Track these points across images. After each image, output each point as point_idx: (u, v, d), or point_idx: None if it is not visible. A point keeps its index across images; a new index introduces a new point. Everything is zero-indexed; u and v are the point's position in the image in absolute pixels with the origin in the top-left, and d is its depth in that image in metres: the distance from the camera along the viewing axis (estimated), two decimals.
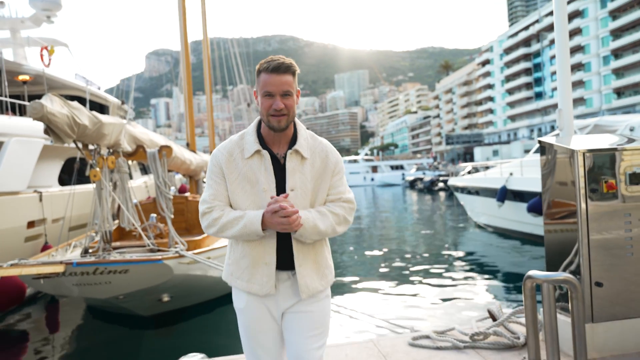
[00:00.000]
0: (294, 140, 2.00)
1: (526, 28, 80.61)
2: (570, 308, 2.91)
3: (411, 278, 9.51)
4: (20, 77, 12.84)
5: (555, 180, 3.31)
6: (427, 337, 3.48)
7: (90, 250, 6.79)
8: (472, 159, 66.60)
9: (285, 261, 1.96)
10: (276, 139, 1.99)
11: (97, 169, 6.22)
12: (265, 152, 1.96)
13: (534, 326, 3.04)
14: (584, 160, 3.06)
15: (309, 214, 1.91)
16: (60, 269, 5.55)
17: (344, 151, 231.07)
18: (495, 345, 3.28)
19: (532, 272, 3.00)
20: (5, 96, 11.33)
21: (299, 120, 2.06)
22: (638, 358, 3.04)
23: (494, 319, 3.67)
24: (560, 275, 2.90)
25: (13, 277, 6.96)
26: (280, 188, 1.95)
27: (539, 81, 79.92)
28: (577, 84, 66.21)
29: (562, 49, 3.55)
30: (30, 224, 9.81)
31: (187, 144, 13.51)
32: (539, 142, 3.47)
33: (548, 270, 3.38)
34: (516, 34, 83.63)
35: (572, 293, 2.87)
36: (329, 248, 2.12)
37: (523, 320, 3.50)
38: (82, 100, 14.40)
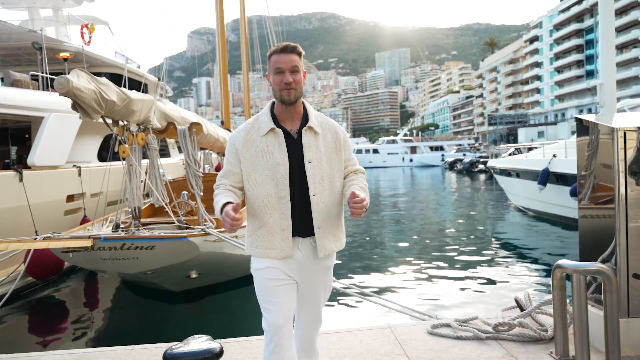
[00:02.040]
0: (305, 118, 2.27)
1: (579, 2, 76.34)
2: (603, 301, 2.68)
3: (441, 262, 9.26)
4: (61, 55, 13.13)
5: (592, 161, 3.03)
6: (448, 325, 3.31)
7: (122, 226, 6.90)
8: (515, 141, 64.43)
9: (303, 228, 2.21)
10: (288, 116, 2.25)
11: (126, 146, 6.26)
12: (279, 130, 2.20)
13: (562, 319, 2.83)
14: (625, 139, 2.78)
15: (363, 192, 2.15)
16: (88, 243, 5.65)
17: (382, 131, 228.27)
18: (520, 337, 3.07)
19: (562, 262, 2.77)
20: (46, 73, 11.62)
21: (306, 102, 2.33)
22: None
23: (522, 309, 3.45)
24: (592, 265, 2.66)
25: (49, 249, 7.21)
26: (294, 161, 2.19)
27: (590, 59, 75.93)
28: (633, 62, 62.50)
29: (606, 20, 3.22)
30: (70, 198, 10.10)
31: (222, 123, 13.59)
32: (576, 119, 3.18)
33: (582, 259, 3.13)
34: (568, 8, 79.36)
35: (606, 285, 2.63)
36: (343, 215, 2.38)
37: (551, 310, 3.28)
38: (120, 78, 14.65)
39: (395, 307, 4.26)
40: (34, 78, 11.58)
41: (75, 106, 5.28)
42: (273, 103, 2.29)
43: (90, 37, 14.68)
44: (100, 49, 14.89)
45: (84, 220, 9.97)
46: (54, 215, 9.54)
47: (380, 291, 7.36)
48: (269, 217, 2.18)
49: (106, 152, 11.96)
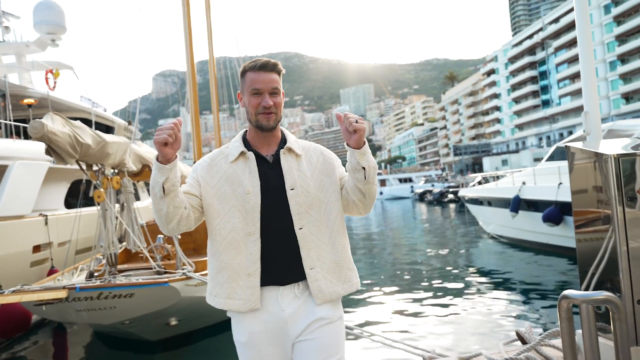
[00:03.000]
0: (283, 142, 1.94)
1: (530, 36, 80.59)
2: (612, 330, 2.64)
3: (426, 296, 9.17)
4: (25, 101, 12.84)
5: (584, 188, 3.06)
6: None
7: (95, 274, 6.59)
8: (480, 170, 66.05)
9: (287, 273, 1.80)
10: (264, 141, 1.91)
11: (102, 190, 6.05)
12: (250, 154, 1.87)
13: (572, 351, 2.77)
14: (619, 165, 2.82)
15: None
16: (62, 294, 5.34)
17: None
18: None
19: (568, 292, 2.73)
20: (10, 120, 11.29)
21: (284, 128, 2.02)
22: None
23: (524, 342, 3.39)
24: (600, 294, 2.63)
25: (16, 305, 6.79)
26: (272, 188, 1.83)
27: (545, 89, 79.60)
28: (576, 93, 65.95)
29: (585, 51, 3.33)
30: (36, 248, 9.66)
31: (194, 163, 13.40)
32: (566, 147, 3.22)
33: (582, 288, 3.11)
34: (520, 42, 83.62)
35: (615, 314, 2.59)
36: (349, 248, 1.97)
37: (556, 343, 3.22)
38: (88, 122, 14.36)
39: (394, 345, 4.13)
40: None
41: (49, 151, 5.09)
42: (246, 131, 1.98)
43: (55, 82, 14.45)
44: (65, 93, 14.62)
45: (52, 271, 9.51)
46: (19, 267, 9.08)
47: (371, 326, 7.19)
48: (232, 258, 1.78)
49: (72, 199, 11.57)
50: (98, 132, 5.95)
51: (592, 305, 2.61)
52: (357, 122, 1.73)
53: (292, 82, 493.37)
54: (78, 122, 5.66)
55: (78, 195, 10.67)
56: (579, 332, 2.89)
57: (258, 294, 1.75)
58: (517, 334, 3.48)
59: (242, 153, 1.87)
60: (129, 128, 17.17)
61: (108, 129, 15.77)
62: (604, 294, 2.59)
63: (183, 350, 6.90)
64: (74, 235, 9.51)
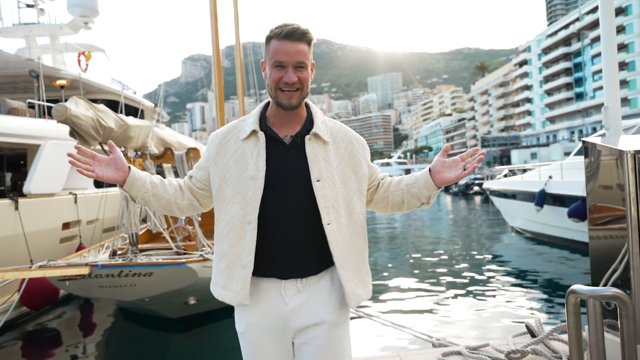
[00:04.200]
0: (309, 122, 1.69)
1: (566, 27, 78.07)
2: (619, 327, 2.63)
3: (444, 287, 9.16)
4: (58, 82, 13.20)
5: (600, 184, 3.02)
6: (459, 353, 3.24)
7: (118, 252, 6.82)
8: (508, 162, 64.88)
9: (292, 267, 1.63)
10: (285, 120, 1.68)
11: None
12: (261, 134, 1.65)
13: (578, 346, 2.76)
14: (636, 161, 2.77)
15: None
16: (85, 271, 5.56)
17: (376, 154, 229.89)
18: None
19: (576, 287, 2.72)
20: (43, 100, 11.64)
21: (312, 104, 1.76)
22: None
23: (533, 335, 3.39)
24: (608, 290, 2.62)
25: (44, 279, 7.09)
26: (278, 174, 1.62)
27: (579, 81, 77.25)
28: (621, 84, 63.57)
29: (608, 43, 3.26)
30: (65, 226, 10.01)
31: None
32: (583, 142, 3.18)
33: (593, 283, 3.09)
34: (555, 32, 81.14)
35: (622, 311, 2.58)
36: (367, 250, 1.81)
37: (565, 337, 3.21)
38: (116, 104, 14.72)
39: (404, 330, 4.19)
40: (31, 106, 11.60)
41: (73, 133, 5.27)
42: (268, 103, 1.74)
43: (87, 65, 14.81)
44: (96, 75, 14.99)
45: (80, 247, 9.86)
46: (49, 243, 9.43)
47: (388, 314, 7.25)
48: (231, 246, 1.64)
49: None
50: (121, 115, 6.11)
51: (599, 301, 2.60)
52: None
53: (320, 69, 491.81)
54: (102, 106, 5.82)
55: None
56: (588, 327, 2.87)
57: (248, 289, 1.61)
58: (527, 327, 3.48)
59: (253, 132, 1.66)
60: (156, 110, 17.52)
61: (136, 111, 16.10)
62: (612, 290, 2.58)
63: (202, 329, 7.09)
64: (101, 214, 9.82)
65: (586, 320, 2.74)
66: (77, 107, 5.23)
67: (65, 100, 13.70)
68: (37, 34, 15.59)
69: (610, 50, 3.25)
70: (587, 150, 3.12)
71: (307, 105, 1.74)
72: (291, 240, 1.62)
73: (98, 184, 11.82)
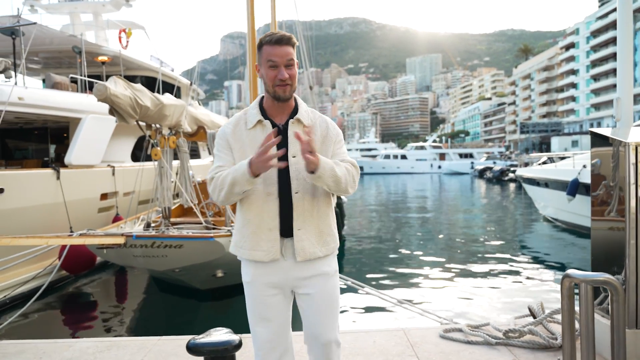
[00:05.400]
0: (295, 111, 2.09)
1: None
2: (610, 311, 2.74)
3: (462, 269, 9.27)
4: (99, 58, 13.69)
5: (604, 174, 3.09)
6: (460, 330, 3.41)
7: (152, 225, 7.21)
8: (548, 149, 63.10)
9: (287, 229, 1.99)
10: (279, 110, 2.07)
11: (158, 148, 6.55)
12: (267, 122, 2.04)
13: (570, 327, 2.89)
14: (637, 153, 2.83)
15: (326, 159, 1.95)
16: (121, 240, 5.95)
17: (412, 137, 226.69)
18: (529, 344, 3.15)
19: (570, 271, 2.84)
20: (85, 76, 12.14)
21: (298, 96, 2.14)
22: None
23: (534, 317, 3.51)
24: (600, 275, 2.73)
25: (83, 245, 7.57)
26: (282, 156, 1.94)
27: None
28: None
29: (624, 32, 3.28)
30: (103, 196, 10.53)
31: None
32: (591, 132, 3.24)
33: (593, 269, 3.18)
34: (606, 15, 77.29)
35: (613, 296, 2.69)
36: (332, 215, 2.13)
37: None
38: (154, 81, 15.16)
39: (410, 309, 4.37)
40: (73, 80, 12.13)
41: (112, 111, 5.60)
42: (262, 97, 2.13)
43: (127, 42, 15.25)
44: (136, 52, 15.44)
45: (116, 218, 10.38)
46: (88, 213, 9.97)
47: (398, 293, 7.45)
48: (256, 214, 1.98)
49: (139, 152, 12.43)
50: (157, 95, 6.40)
51: (590, 285, 2.72)
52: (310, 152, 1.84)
53: (358, 49, 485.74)
54: (139, 85, 6.12)
55: (142, 150, 11.48)
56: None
57: (278, 247, 1.97)
58: (529, 309, 3.60)
59: (259, 121, 2.04)
60: (193, 88, 17.93)
61: (172, 88, 16.54)
62: (604, 276, 2.69)
63: (229, 301, 7.42)
64: (138, 187, 10.29)
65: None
66: (116, 86, 5.54)
67: (107, 76, 14.20)
68: (81, 10, 16.12)
69: (625, 42, 3.27)
70: (594, 140, 3.18)
71: (295, 99, 2.12)
72: (289, 206, 1.99)
73: (135, 157, 12.33)
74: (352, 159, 2.10)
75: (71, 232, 7.74)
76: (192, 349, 2.66)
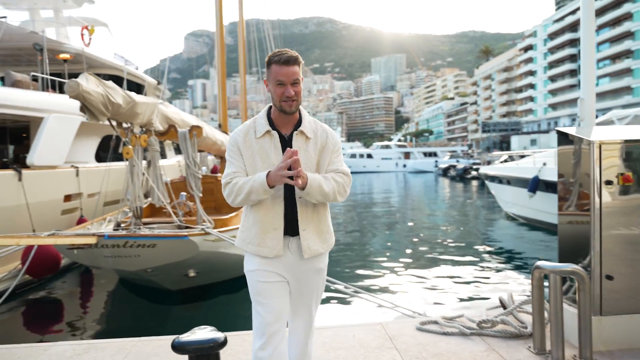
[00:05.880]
0: (299, 123, 2.31)
1: (573, 12, 77.15)
2: (577, 299, 2.91)
3: (431, 265, 9.50)
4: (61, 56, 13.30)
5: (571, 171, 3.27)
6: (435, 322, 3.53)
7: (122, 225, 7.08)
8: (508, 148, 64.95)
9: (292, 228, 2.25)
10: (285, 121, 2.29)
11: (130, 147, 6.45)
12: (274, 132, 2.27)
13: (539, 316, 3.06)
14: (600, 151, 3.02)
15: (315, 175, 2.19)
16: (92, 240, 5.83)
17: (377, 136, 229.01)
18: (502, 333, 3.30)
19: (540, 263, 3.01)
20: (47, 74, 11.78)
21: (302, 108, 2.36)
22: None
23: (504, 308, 3.68)
24: (567, 266, 2.90)
25: (49, 247, 7.36)
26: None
27: None
28: (625, 72, 63.32)
29: (587, 37, 3.47)
30: (67, 198, 10.25)
31: (220, 125, 13.78)
32: (557, 131, 3.42)
33: (560, 261, 3.36)
34: (562, 18, 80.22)
35: (580, 285, 2.87)
36: (329, 216, 2.40)
37: (531, 309, 3.50)
38: (119, 80, 14.83)
39: (386, 304, 4.48)
40: (34, 79, 11.74)
41: (84, 109, 5.48)
42: (270, 107, 2.34)
43: (90, 39, 14.86)
44: (99, 50, 15.03)
45: (81, 220, 10.11)
46: (51, 215, 9.69)
47: (372, 290, 7.59)
48: (263, 215, 2.23)
49: (103, 153, 12.14)
50: (128, 92, 6.30)
51: (559, 276, 2.89)
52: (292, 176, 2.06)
53: (324, 49, 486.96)
54: (110, 83, 6.01)
55: (108, 150, 11.22)
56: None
57: (281, 245, 2.21)
58: (500, 300, 3.77)
59: (267, 131, 2.27)
60: (158, 87, 17.63)
61: (139, 87, 16.21)
62: (571, 266, 2.86)
63: (200, 303, 7.38)
64: (103, 188, 10.06)
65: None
66: (88, 83, 5.43)
67: (69, 75, 13.79)
68: (41, 6, 15.60)
69: (588, 45, 3.46)
70: (560, 139, 3.36)
71: (299, 111, 2.35)
72: (294, 209, 2.26)
73: (99, 158, 12.04)
74: (346, 168, 2.34)
75: (35, 233, 7.51)
76: (177, 347, 2.67)
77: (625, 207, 3.10)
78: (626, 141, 3.11)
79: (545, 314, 3.12)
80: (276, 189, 2.21)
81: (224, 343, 2.54)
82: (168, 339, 3.49)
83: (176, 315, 6.95)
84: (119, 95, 5.91)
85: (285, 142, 2.27)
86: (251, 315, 2.30)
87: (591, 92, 3.48)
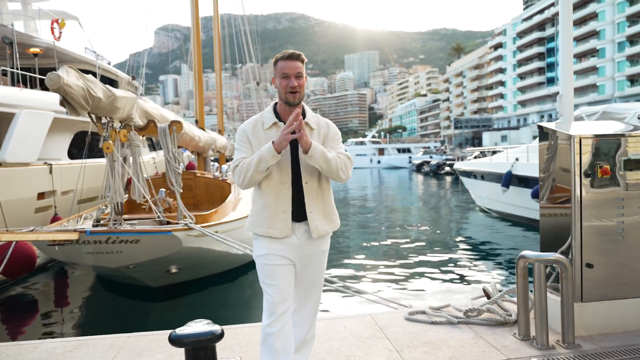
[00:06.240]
0: (303, 115, 2.51)
1: (541, 11, 79.12)
2: (560, 287, 3.05)
3: (411, 259, 9.67)
4: (31, 50, 12.94)
5: (552, 164, 3.41)
6: (423, 312, 3.64)
7: (102, 221, 6.96)
8: (480, 144, 66.28)
9: (299, 213, 2.44)
10: (289, 114, 2.44)
11: (110, 142, 6.36)
12: (280, 124, 2.47)
13: (524, 303, 3.19)
14: (581, 145, 3.16)
15: (319, 144, 2.39)
16: (74, 236, 5.73)
17: (351, 133, 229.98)
18: (488, 321, 3.42)
19: (525, 252, 3.13)
20: (17, 68, 11.45)
21: (304, 104, 2.58)
22: (625, 336, 3.17)
23: (489, 297, 3.81)
24: (551, 255, 3.04)
25: (25, 246, 7.19)
26: (294, 153, 2.43)
27: (551, 66, 78.82)
28: (591, 70, 65.29)
29: (565, 35, 3.61)
30: (40, 195, 10.01)
31: (196, 122, 13.64)
32: (539, 127, 3.56)
33: (542, 251, 3.50)
34: (530, 17, 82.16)
35: (563, 273, 3.00)
36: (333, 197, 2.61)
37: (515, 299, 3.64)
38: (92, 75, 14.49)
39: (373, 298, 4.56)
40: (4, 73, 11.40)
41: (64, 102, 5.38)
42: (276, 103, 2.57)
43: (60, 33, 14.48)
44: (70, 44, 14.66)
45: (55, 218, 9.88)
46: (24, 213, 9.45)
47: (359, 284, 7.69)
48: (273, 199, 2.42)
49: (76, 150, 11.87)
50: (108, 86, 6.21)
51: (543, 265, 3.02)
52: (295, 132, 2.29)
53: (297, 45, 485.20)
54: (90, 76, 5.91)
55: (81, 146, 10.98)
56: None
57: (289, 226, 2.41)
58: (484, 290, 3.90)
59: (274, 123, 2.47)
60: (133, 83, 17.30)
61: (112, 83, 15.88)
62: (554, 255, 3.00)
63: (180, 298, 7.33)
64: (78, 185, 9.84)
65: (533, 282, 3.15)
66: (69, 76, 5.33)
67: (40, 69, 13.38)
68: None
69: (566, 42, 3.60)
70: (541, 134, 3.49)
71: (302, 106, 2.57)
72: (300, 194, 2.45)
73: (71, 155, 11.78)
74: (347, 153, 2.54)
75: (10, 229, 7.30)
76: (175, 340, 2.69)
77: (604, 200, 3.25)
78: (604, 135, 3.27)
79: (529, 302, 3.25)
80: (283, 174, 2.42)
81: (221, 335, 2.58)
82: (161, 334, 3.49)
83: (156, 313, 6.88)
84: (99, 89, 5.82)
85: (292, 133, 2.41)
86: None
87: (570, 88, 3.63)
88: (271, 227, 2.41)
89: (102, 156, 6.68)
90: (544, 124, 3.52)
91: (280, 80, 2.43)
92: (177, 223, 6.57)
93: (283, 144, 2.30)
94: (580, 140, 3.15)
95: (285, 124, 2.43)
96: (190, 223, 6.46)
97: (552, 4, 75.39)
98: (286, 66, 2.41)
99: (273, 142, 2.32)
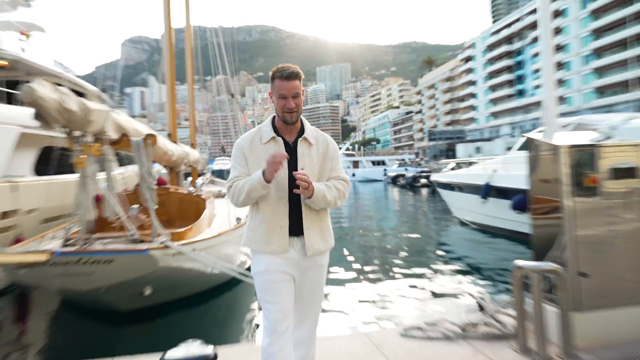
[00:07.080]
0: (302, 131, 2.53)
1: (508, 25, 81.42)
2: (557, 298, 2.96)
3: (396, 275, 9.51)
4: None
5: (540, 175, 3.35)
6: (419, 328, 3.50)
7: (70, 241, 6.57)
8: (454, 156, 67.13)
9: (296, 228, 2.42)
10: (287, 129, 2.51)
11: (83, 157, 6.05)
12: (279, 138, 2.48)
13: (521, 313, 3.09)
14: (569, 156, 3.11)
15: (320, 185, 2.39)
16: (44, 257, 5.39)
17: None
18: (486, 335, 3.31)
19: (521, 263, 3.04)
20: None
21: (304, 117, 2.58)
22: (623, 348, 3.09)
23: (482, 310, 3.70)
24: (548, 265, 2.95)
25: None
26: (292, 167, 2.43)
27: (520, 79, 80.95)
28: (559, 83, 67.32)
29: (546, 46, 3.58)
30: (3, 215, 9.51)
31: (169, 135, 13.31)
32: (527, 138, 3.50)
33: (535, 260, 3.41)
34: (499, 31, 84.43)
35: (559, 283, 2.91)
36: (329, 218, 2.62)
37: (509, 311, 3.54)
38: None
39: (366, 316, 4.40)
40: None
41: (38, 116, 5.11)
42: (274, 117, 2.55)
43: (27, 44, 14.01)
44: (36, 56, 14.18)
45: (18, 239, 9.34)
46: None
47: (351, 302, 7.43)
48: (269, 216, 2.39)
49: (41, 166, 11.35)
50: (82, 99, 5.94)
51: (539, 274, 2.93)
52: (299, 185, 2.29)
53: (268, 57, 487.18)
54: (64, 89, 5.64)
55: (46, 162, 10.51)
56: (531, 302, 3.19)
57: (287, 242, 2.39)
58: (478, 304, 3.79)
59: (272, 137, 2.46)
60: (101, 96, 16.82)
61: (81, 96, 15.36)
62: (551, 265, 2.92)
63: (152, 324, 6.81)
64: (43, 203, 9.36)
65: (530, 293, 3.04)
66: (43, 88, 5.07)
67: (6, 83, 12.88)
68: None
69: (547, 57, 3.57)
70: (529, 145, 3.44)
71: (301, 120, 2.57)
72: (298, 209, 2.42)
73: (39, 172, 11.28)
74: (345, 176, 2.57)
75: None
76: None
77: (593, 208, 3.19)
78: (590, 146, 3.23)
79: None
80: (280, 190, 2.40)
81: (214, 358, 2.41)
82: (145, 357, 3.24)
83: (127, 338, 6.38)
84: (73, 101, 5.56)
85: (289, 148, 2.46)
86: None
87: (553, 99, 3.59)
88: (268, 243, 2.39)
89: (71, 172, 6.35)
90: (531, 134, 3.47)
91: (277, 100, 2.45)
92: (152, 241, 6.27)
93: (270, 172, 2.26)
94: (567, 150, 3.11)
95: (283, 138, 2.47)
96: (167, 241, 6.17)
97: (519, 19, 77.70)
98: (283, 87, 2.40)
99: (264, 171, 2.29)
